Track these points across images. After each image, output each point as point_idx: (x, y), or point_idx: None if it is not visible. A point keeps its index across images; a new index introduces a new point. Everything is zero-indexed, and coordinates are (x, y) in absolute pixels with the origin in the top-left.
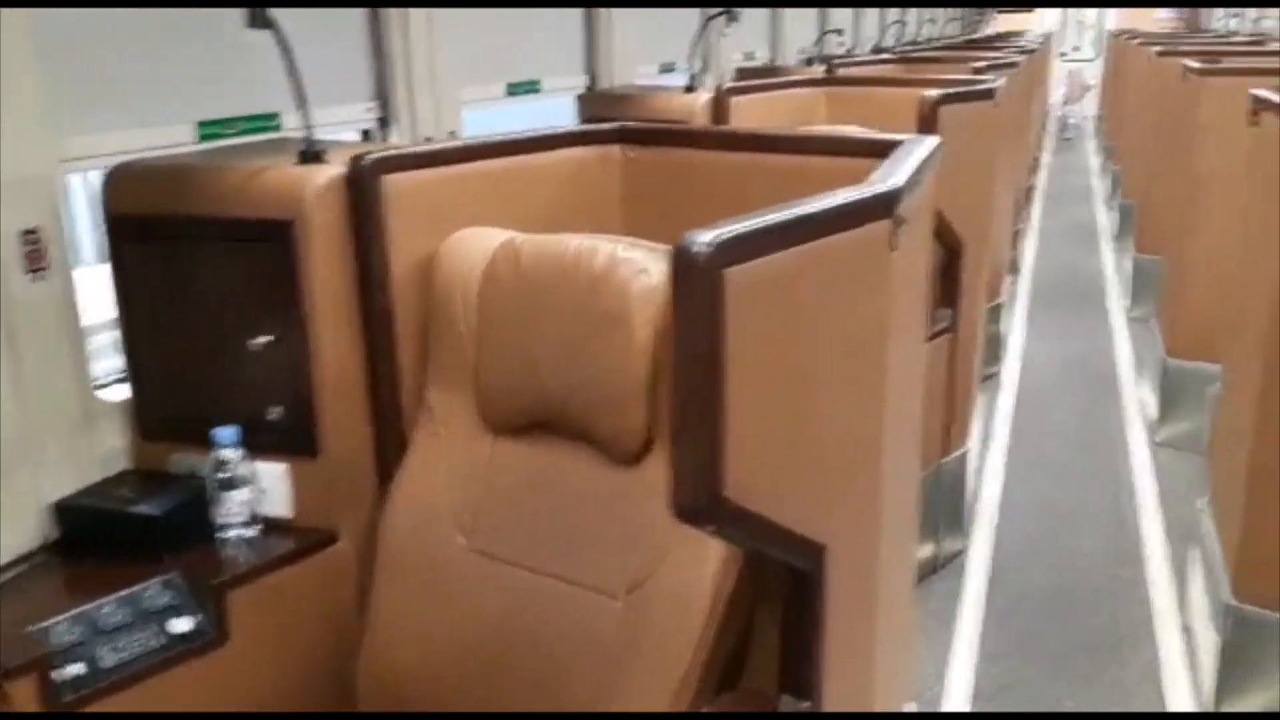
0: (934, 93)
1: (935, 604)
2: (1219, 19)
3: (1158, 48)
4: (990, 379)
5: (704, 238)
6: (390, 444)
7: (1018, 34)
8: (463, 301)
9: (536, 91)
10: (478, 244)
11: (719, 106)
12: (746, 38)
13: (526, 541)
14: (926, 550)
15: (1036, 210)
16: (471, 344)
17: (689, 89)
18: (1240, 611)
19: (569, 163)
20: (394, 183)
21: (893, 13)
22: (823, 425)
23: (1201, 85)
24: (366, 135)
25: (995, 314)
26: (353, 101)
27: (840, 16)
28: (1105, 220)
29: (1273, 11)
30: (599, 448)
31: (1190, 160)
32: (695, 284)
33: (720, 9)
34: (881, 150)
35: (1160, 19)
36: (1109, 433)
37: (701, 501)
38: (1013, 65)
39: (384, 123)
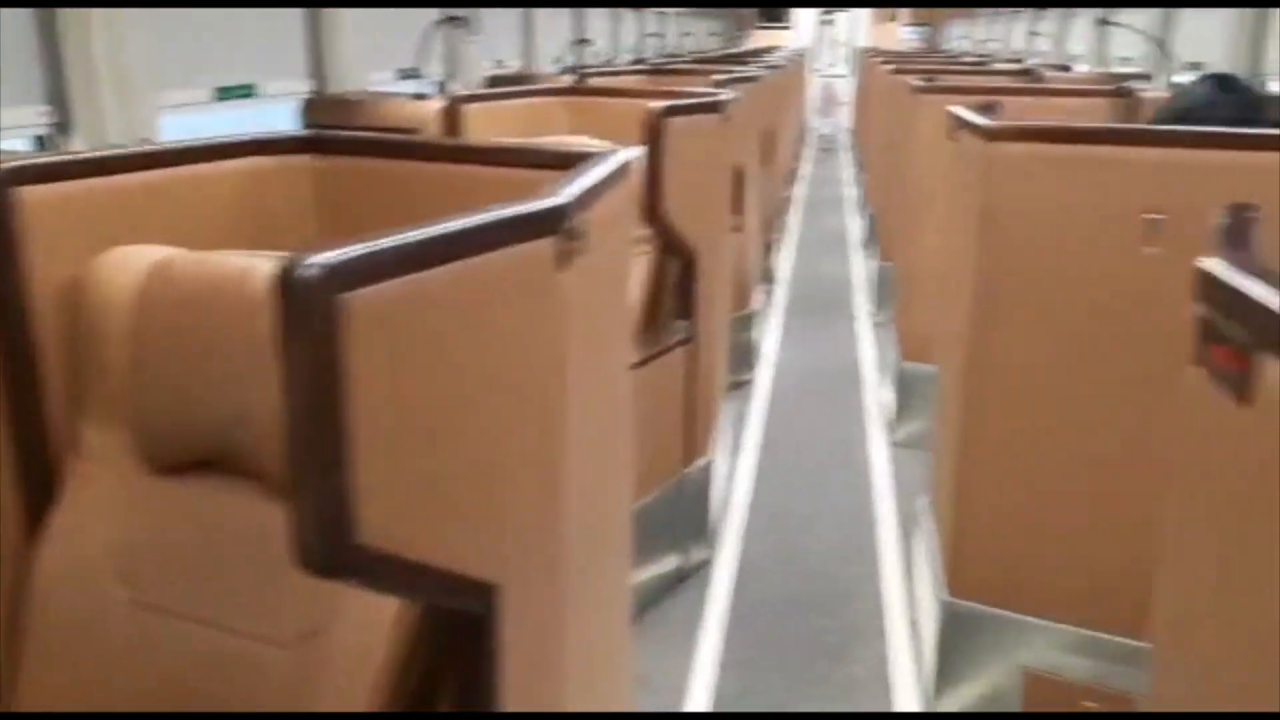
0: (660, 104)
1: (681, 613)
2: (954, 40)
3: (892, 65)
4: (743, 386)
5: (315, 259)
6: (37, 490)
7: (773, 49)
8: (115, 328)
9: (250, 96)
10: (131, 264)
11: (452, 115)
12: (502, 45)
13: (194, 591)
14: (671, 562)
15: (794, 219)
16: (126, 375)
17: (420, 96)
18: (954, 606)
19: (249, 174)
20: (30, 196)
21: (650, 24)
22: (484, 459)
23: (918, 101)
24: (41, 143)
25: (747, 322)
26: (19, 105)
27: (600, 27)
28: (857, 228)
29: (1000, 33)
30: (267, 486)
31: (912, 172)
32: (305, 312)
33: (449, 14)
34: (573, 163)
35: (904, 38)
36: (852, 435)
37: (330, 551)
38: (753, 79)
39: (62, 128)
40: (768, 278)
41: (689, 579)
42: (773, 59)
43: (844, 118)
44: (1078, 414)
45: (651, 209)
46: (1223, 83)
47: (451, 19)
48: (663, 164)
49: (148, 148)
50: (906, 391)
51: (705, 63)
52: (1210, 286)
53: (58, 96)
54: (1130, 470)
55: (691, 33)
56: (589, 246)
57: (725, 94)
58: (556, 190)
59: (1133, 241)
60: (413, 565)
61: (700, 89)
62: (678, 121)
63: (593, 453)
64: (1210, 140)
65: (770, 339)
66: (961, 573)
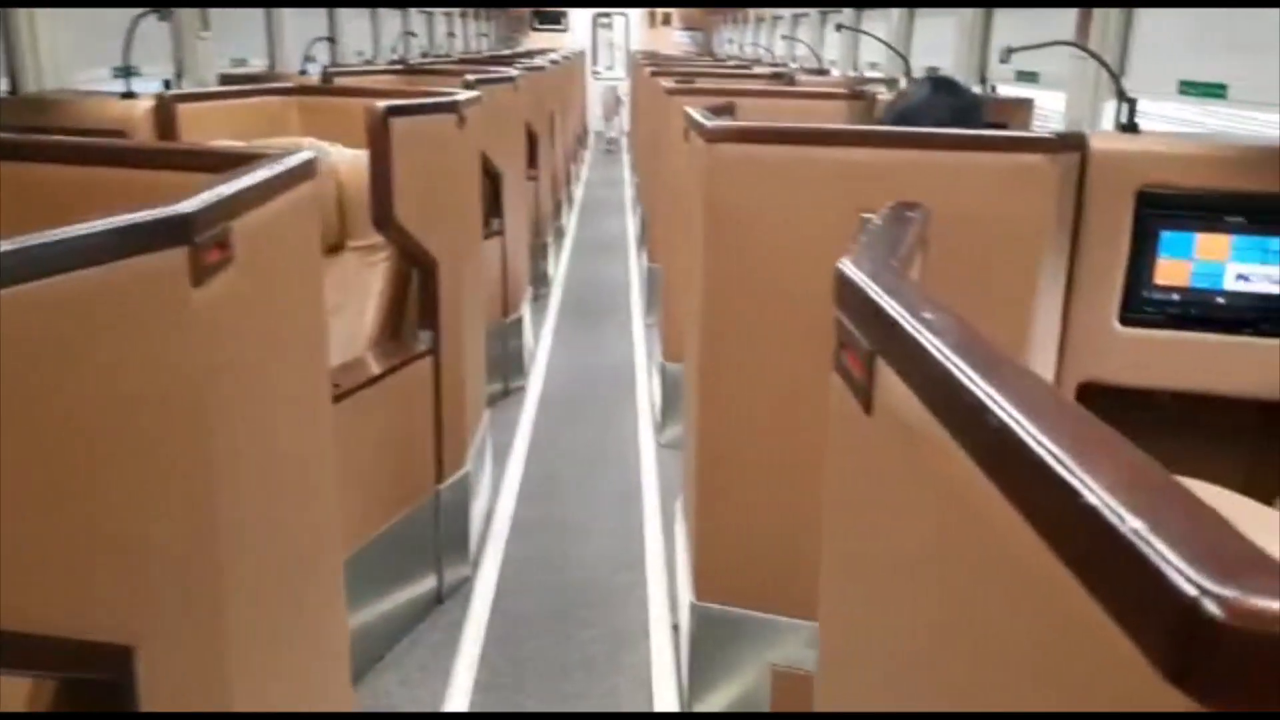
0: (382, 104)
1: (438, 636)
2: (724, 45)
3: (655, 68)
4: (514, 394)
5: None
6: None
7: (547, 52)
8: None
9: None
10: None
11: (163, 115)
12: (247, 43)
13: None
14: (428, 583)
15: (572, 222)
16: None
17: (129, 95)
18: (702, 609)
19: None
20: None
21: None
22: (108, 511)
23: (670, 103)
24: None
25: (516, 328)
26: None
27: (358, 26)
28: (634, 230)
29: (764, 39)
30: None
31: (669, 173)
32: None
33: (150, 7)
34: (237, 165)
35: (678, 42)
36: (623, 439)
37: None
38: (509, 80)
39: None
40: (541, 282)
41: (448, 599)
42: (539, 60)
43: (626, 120)
44: (796, 414)
45: (382, 215)
46: (939, 84)
47: (155, 11)
48: (391, 167)
49: None
50: (671, 393)
51: (469, 63)
52: (842, 289)
53: None
54: None
55: (454, 34)
56: (237, 259)
57: (463, 94)
58: (189, 196)
59: (849, 241)
60: (35, 640)
61: (442, 89)
62: (403, 123)
63: (274, 490)
64: (912, 140)
65: (544, 344)
66: (708, 575)
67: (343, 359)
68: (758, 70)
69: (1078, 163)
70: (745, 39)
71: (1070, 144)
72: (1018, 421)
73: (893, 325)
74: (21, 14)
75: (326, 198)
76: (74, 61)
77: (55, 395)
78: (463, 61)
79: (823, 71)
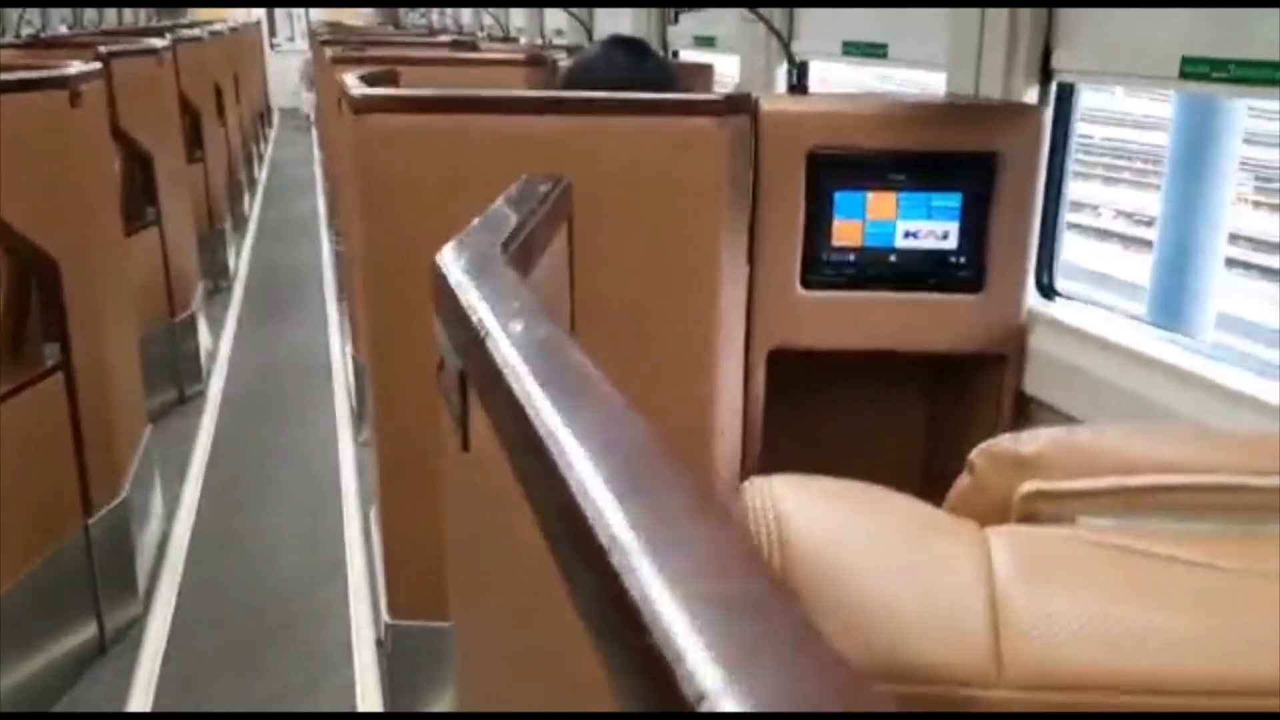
0: None
1: (100, 692)
2: (415, 16)
3: (326, 39)
4: (191, 401)
5: None
6: None
7: (212, 22)
8: None
9: None
10: None
11: None
12: None
13: None
14: (88, 630)
15: (256, 204)
16: None
17: None
18: (398, 627)
19: None
20: None
21: None
22: None
23: (332, 73)
24: None
25: (187, 328)
26: None
27: None
28: (325, 211)
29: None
30: None
31: (340, 148)
32: None
33: None
34: None
35: (364, 13)
36: (318, 441)
37: None
38: (151, 52)
39: None
40: (221, 273)
41: (113, 647)
42: (196, 31)
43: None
44: None
45: None
46: (615, 44)
47: None
48: None
49: None
50: (363, 388)
51: (116, 35)
52: (437, 288)
53: None
54: None
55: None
56: None
57: (77, 68)
58: None
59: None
60: None
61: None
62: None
63: None
64: (577, 106)
65: (224, 342)
66: (401, 590)
67: None
68: (441, 39)
69: (749, 126)
70: (433, 11)
71: (738, 107)
72: (580, 493)
73: (479, 339)
74: None
75: None
76: None
77: None
78: (106, 34)
79: (510, 40)
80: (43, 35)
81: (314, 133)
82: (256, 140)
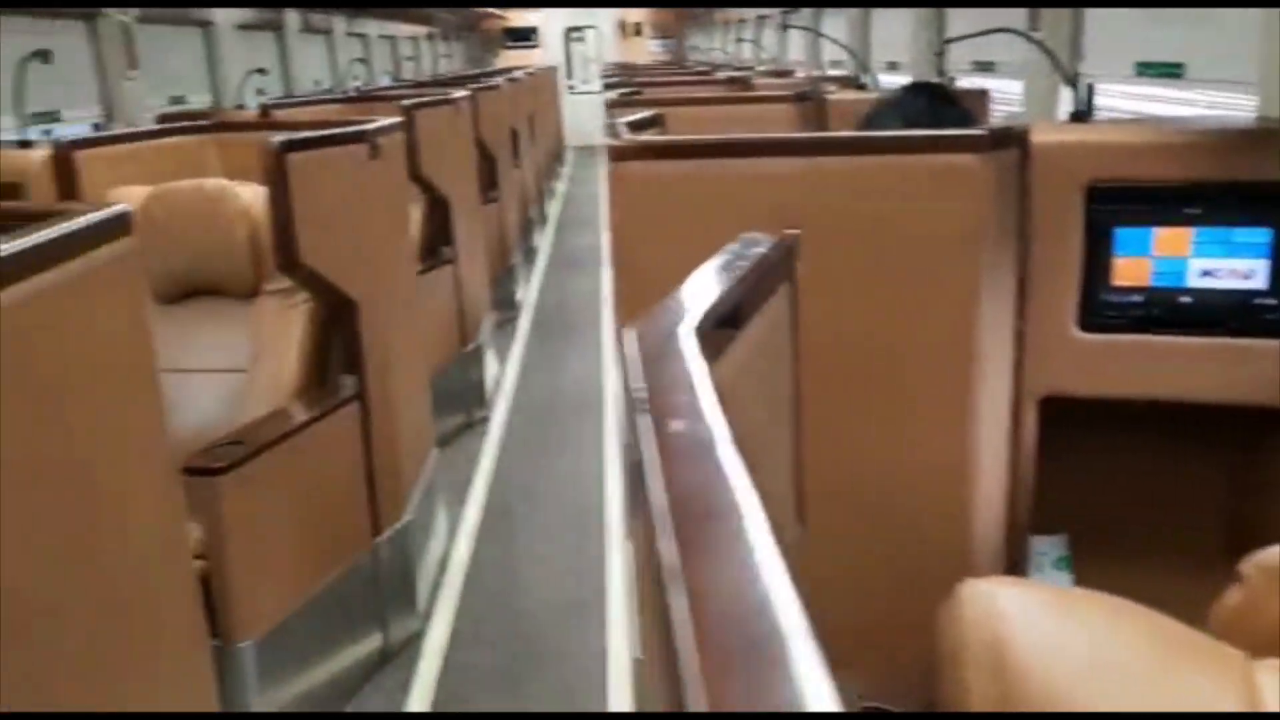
0: (277, 139)
1: (381, 700)
2: (700, 51)
3: (614, 80)
4: (476, 427)
5: None
6: None
7: (515, 69)
8: None
9: None
10: None
11: (62, 164)
12: (185, 83)
13: None
14: (372, 643)
15: (547, 239)
16: None
17: (25, 143)
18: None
19: None
20: None
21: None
22: None
23: (611, 118)
24: None
25: (475, 358)
26: None
27: (314, 53)
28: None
29: (724, 44)
30: None
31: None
32: None
33: (34, 52)
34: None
35: (651, 51)
36: (589, 468)
37: None
38: (450, 102)
39: None
40: (509, 305)
41: (394, 659)
42: (495, 80)
43: None
44: None
45: (287, 258)
46: (920, 90)
47: (38, 55)
48: (292, 206)
49: None
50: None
51: (426, 86)
52: (620, 362)
53: None
54: None
55: (415, 56)
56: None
57: (377, 122)
58: None
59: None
60: None
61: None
62: (303, 158)
63: (79, 594)
64: (827, 146)
65: (510, 372)
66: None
67: (264, 411)
68: (719, 76)
69: (1017, 160)
70: (713, 44)
71: (1006, 140)
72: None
73: (638, 430)
74: None
75: (237, 242)
76: None
77: None
78: (419, 86)
79: (786, 73)
80: (364, 91)
81: (601, 170)
82: (549, 178)
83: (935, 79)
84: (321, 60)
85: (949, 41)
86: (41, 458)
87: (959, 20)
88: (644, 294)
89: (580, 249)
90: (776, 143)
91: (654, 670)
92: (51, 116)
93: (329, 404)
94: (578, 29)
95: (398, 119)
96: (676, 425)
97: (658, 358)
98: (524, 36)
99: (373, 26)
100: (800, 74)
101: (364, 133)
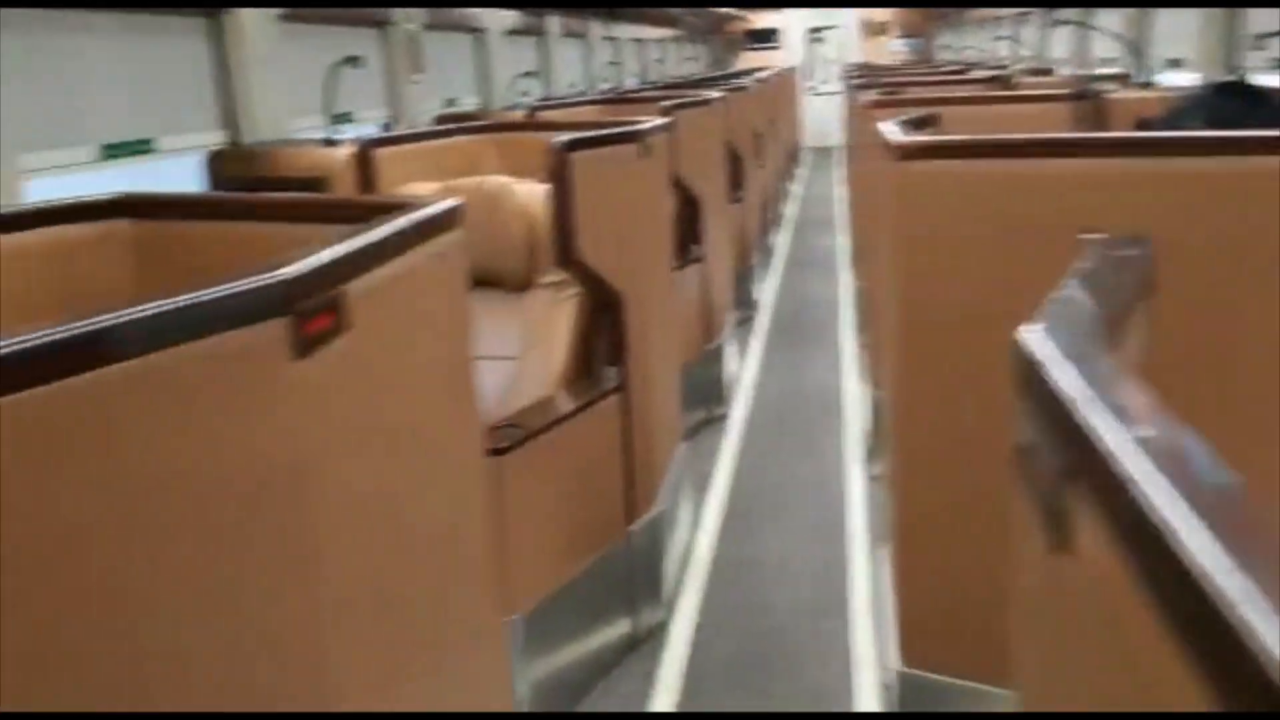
0: (562, 139)
1: (630, 686)
2: (940, 50)
3: (863, 80)
4: (716, 422)
5: None
6: None
7: (759, 70)
8: None
9: (148, 152)
10: None
11: (363, 161)
12: (457, 86)
13: None
14: (622, 627)
15: (783, 240)
16: None
17: (329, 142)
18: (909, 677)
19: (55, 245)
20: None
21: (626, 52)
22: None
23: (871, 117)
24: None
25: (717, 354)
26: None
27: (571, 56)
28: (848, 247)
29: (978, 42)
30: None
31: (871, 190)
32: None
33: (346, 58)
34: (380, 215)
35: (894, 50)
36: (828, 471)
37: None
38: (705, 104)
39: None
40: (748, 304)
41: (642, 645)
42: (743, 81)
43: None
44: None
45: (565, 251)
46: (1229, 89)
47: (350, 61)
48: (572, 203)
49: None
50: (882, 422)
51: (675, 88)
52: (1024, 373)
53: None
54: None
55: (662, 59)
56: (355, 324)
57: (647, 123)
58: (290, 260)
59: (1067, 265)
60: None
61: (637, 119)
62: (584, 156)
63: (402, 561)
64: (1159, 146)
65: (748, 369)
66: (913, 639)
67: (533, 399)
68: (974, 75)
69: None
70: (964, 43)
71: None
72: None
73: (1091, 447)
74: (236, 67)
75: (515, 236)
76: (290, 112)
77: (142, 483)
78: (668, 87)
79: (1046, 72)
80: (619, 92)
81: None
82: (787, 179)
83: (1225, 76)
84: (576, 63)
85: (1264, 37)
86: (382, 446)
87: (1255, 11)
88: (933, 291)
89: (816, 251)
90: (1097, 142)
91: None
92: (347, 117)
93: (594, 394)
94: (820, 30)
95: (665, 120)
96: (1144, 430)
97: (1085, 372)
98: (766, 38)
99: (624, 30)
100: (1062, 72)
101: (638, 133)
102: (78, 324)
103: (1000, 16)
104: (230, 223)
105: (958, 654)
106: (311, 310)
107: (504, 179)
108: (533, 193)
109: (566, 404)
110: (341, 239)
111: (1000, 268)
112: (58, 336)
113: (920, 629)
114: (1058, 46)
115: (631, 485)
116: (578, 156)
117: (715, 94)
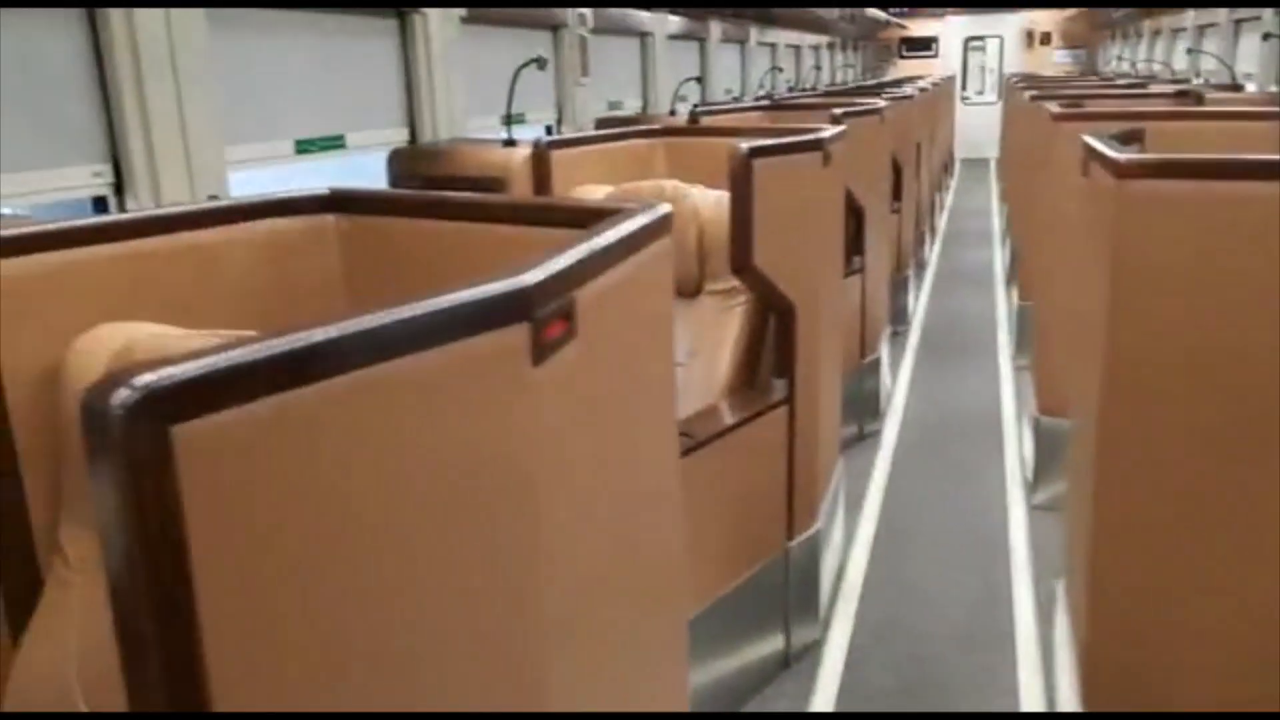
0: (745, 145)
1: (783, 704)
2: (1111, 61)
3: (1035, 90)
4: (869, 439)
5: (138, 380)
6: (22, 600)
7: (916, 79)
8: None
9: (339, 148)
10: (105, 344)
11: (539, 162)
12: (624, 86)
13: None
14: (775, 643)
15: (935, 252)
16: None
17: (510, 143)
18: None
19: (267, 238)
20: (9, 269)
21: (782, 58)
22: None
23: (1057, 129)
24: (100, 204)
25: (873, 369)
26: (71, 164)
27: (729, 62)
28: (1001, 261)
29: (1160, 53)
30: None
31: (1050, 205)
32: (114, 451)
33: (532, 59)
34: (594, 220)
35: (1058, 62)
36: (987, 495)
37: None
38: (875, 112)
39: (119, 189)
40: (900, 318)
41: (795, 664)
42: (907, 89)
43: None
44: (1229, 494)
45: (741, 260)
46: None
47: (535, 61)
48: (752, 210)
49: (142, 214)
50: (1046, 447)
51: (834, 95)
52: None
53: (113, 155)
54: None
55: (820, 66)
56: (582, 330)
57: (829, 131)
58: (529, 267)
59: None
60: None
61: (807, 126)
62: (767, 164)
63: (612, 557)
64: None
65: (901, 385)
66: (1101, 680)
67: (697, 407)
68: (1155, 89)
69: None
70: (1138, 55)
71: None
72: None
73: None
74: (422, 69)
75: (688, 242)
76: (470, 111)
77: (379, 485)
78: (827, 94)
79: (1236, 87)
80: (775, 98)
81: (993, 184)
82: (940, 190)
83: None
84: (733, 69)
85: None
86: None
87: None
88: (1150, 319)
89: (969, 265)
90: None
91: None
92: (520, 118)
93: (761, 405)
94: (979, 38)
95: (840, 129)
96: None
97: None
98: (923, 46)
99: (779, 36)
100: (1252, 89)
101: (820, 141)
102: (331, 326)
103: (1182, 28)
104: (432, 221)
105: (1154, 697)
106: (549, 317)
107: (680, 183)
108: (705, 198)
109: (734, 414)
110: (565, 245)
111: (1228, 296)
112: (316, 339)
113: (1110, 668)
114: (1245, 61)
115: (792, 500)
116: (760, 164)
117: (882, 103)
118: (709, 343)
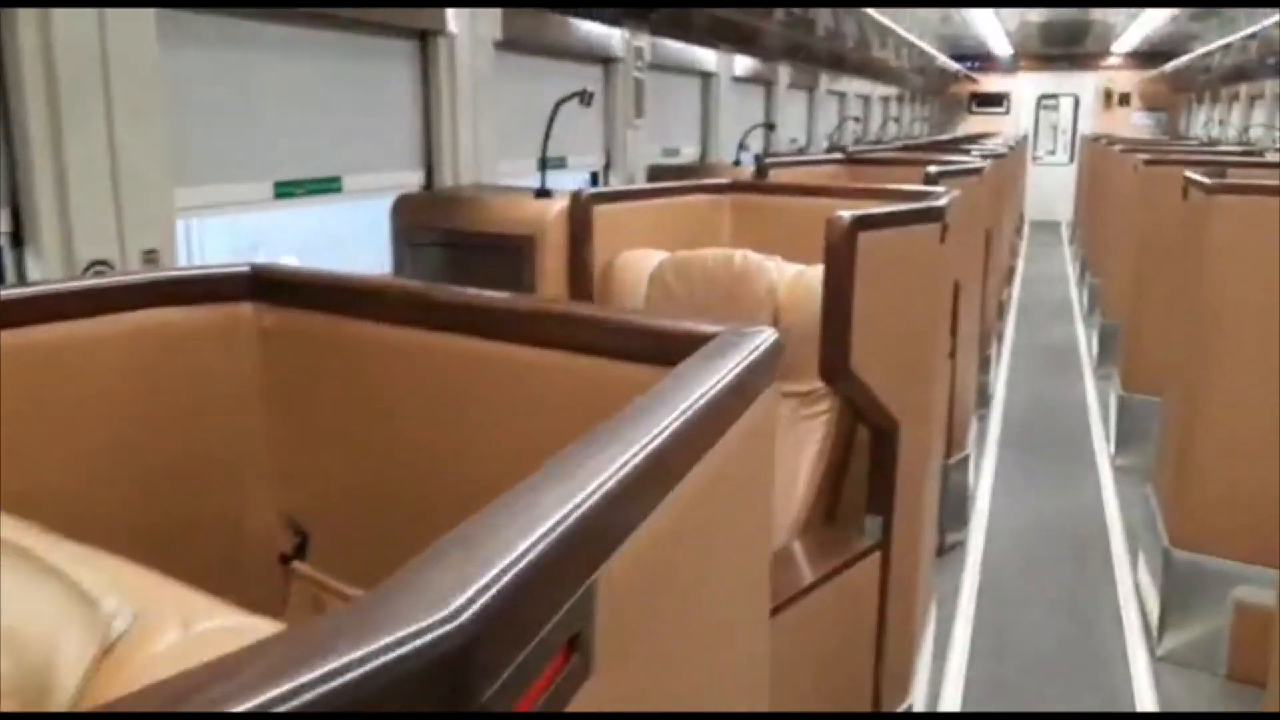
0: (848, 214)
1: None
2: (1200, 127)
3: (1144, 155)
4: (953, 552)
5: None
6: None
7: (988, 136)
8: None
9: (333, 192)
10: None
11: (578, 218)
12: (675, 133)
13: None
14: None
15: (1010, 326)
16: None
17: (542, 193)
18: None
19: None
20: None
21: (851, 108)
22: None
23: (1211, 203)
24: None
25: (961, 466)
26: None
27: (794, 110)
28: (1085, 341)
29: (1258, 119)
30: None
31: (1198, 286)
32: None
33: (574, 93)
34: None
35: (1136, 124)
36: (1099, 642)
37: None
38: (974, 172)
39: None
40: (982, 400)
41: None
42: (990, 146)
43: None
44: None
45: (835, 362)
46: None
47: (580, 95)
48: (852, 298)
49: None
50: (1178, 585)
51: (912, 150)
52: None
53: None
54: None
55: (898, 118)
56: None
57: (945, 196)
58: None
59: None
60: None
61: (905, 188)
62: (875, 238)
63: None
64: None
65: (984, 482)
66: None
67: (772, 550)
68: (1227, 149)
69: None
70: (1230, 118)
71: None
72: None
73: None
74: (445, 101)
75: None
76: (498, 152)
77: None
78: (905, 149)
79: None
80: (846, 149)
81: (1062, 249)
82: (1013, 256)
83: None
84: (800, 117)
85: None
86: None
87: None
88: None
89: (1049, 340)
90: None
91: None
92: (558, 163)
93: (848, 552)
94: (1052, 96)
95: (954, 193)
96: None
97: None
98: (994, 102)
99: (849, 85)
100: None
101: (940, 210)
102: None
103: (1262, 94)
104: (399, 329)
105: None
106: None
107: (751, 254)
108: (783, 273)
109: (815, 564)
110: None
111: None
112: None
113: None
114: None
115: (880, 665)
116: (867, 238)
117: (983, 161)
118: (782, 462)
